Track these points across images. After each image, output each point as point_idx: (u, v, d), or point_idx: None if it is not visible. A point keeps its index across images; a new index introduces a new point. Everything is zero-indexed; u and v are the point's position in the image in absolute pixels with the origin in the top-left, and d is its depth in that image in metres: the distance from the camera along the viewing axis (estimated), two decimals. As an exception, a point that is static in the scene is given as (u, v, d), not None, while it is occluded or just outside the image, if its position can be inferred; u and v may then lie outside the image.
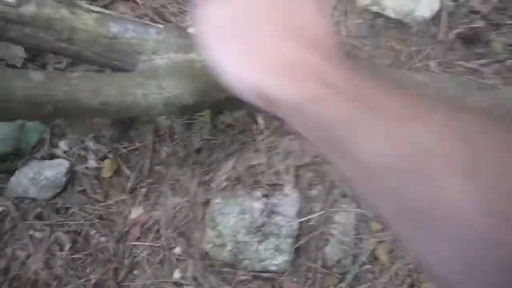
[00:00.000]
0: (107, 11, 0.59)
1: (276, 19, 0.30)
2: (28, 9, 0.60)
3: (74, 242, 0.97)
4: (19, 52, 0.91)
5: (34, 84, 0.45)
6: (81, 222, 0.97)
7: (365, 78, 0.26)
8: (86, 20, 0.58)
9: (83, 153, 0.95)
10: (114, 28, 0.58)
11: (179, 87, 0.57)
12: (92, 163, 0.95)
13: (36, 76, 0.46)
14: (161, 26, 0.58)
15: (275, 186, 0.94)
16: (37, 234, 0.98)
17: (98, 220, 0.96)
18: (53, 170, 0.93)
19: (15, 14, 0.59)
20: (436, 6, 0.93)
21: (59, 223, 0.97)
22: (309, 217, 0.94)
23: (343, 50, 0.31)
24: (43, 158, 0.95)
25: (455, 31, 0.94)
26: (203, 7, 0.31)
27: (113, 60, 0.62)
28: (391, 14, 0.93)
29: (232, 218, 0.93)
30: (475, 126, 0.23)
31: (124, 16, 0.58)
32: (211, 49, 0.31)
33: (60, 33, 0.59)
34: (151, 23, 0.58)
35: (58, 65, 0.93)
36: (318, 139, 0.27)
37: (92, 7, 0.59)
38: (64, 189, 0.96)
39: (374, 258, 0.94)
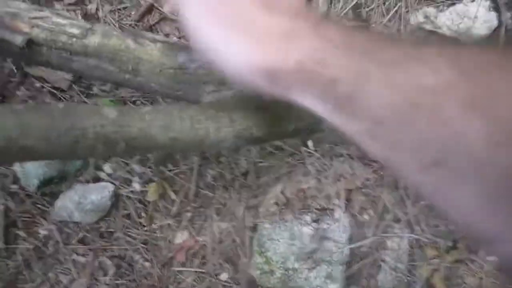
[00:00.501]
0: (172, 41, 0.57)
1: None
2: (93, 40, 0.58)
3: (118, 267, 0.96)
4: (66, 74, 0.90)
5: (108, 122, 0.43)
6: (125, 247, 0.95)
7: (361, 33, 0.26)
8: (152, 51, 0.56)
9: (127, 176, 0.94)
10: (180, 58, 0.56)
11: (248, 119, 0.54)
12: (136, 186, 0.93)
13: (110, 112, 0.44)
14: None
15: (325, 211, 0.91)
16: (81, 259, 0.96)
17: (142, 245, 0.94)
18: (98, 194, 0.91)
19: (80, 46, 0.58)
20: (494, 23, 0.89)
21: (103, 247, 0.95)
22: (361, 243, 0.91)
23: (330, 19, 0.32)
24: (87, 181, 0.94)
25: (514, 48, 0.90)
26: None
27: (176, 91, 0.60)
28: (446, 32, 0.90)
29: (281, 244, 0.90)
30: (477, 62, 0.22)
31: (189, 45, 0.56)
32: (202, 35, 0.30)
33: (125, 64, 0.57)
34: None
35: (103, 87, 0.92)
36: (323, 102, 0.26)
37: (157, 37, 0.57)
38: (108, 213, 0.94)
39: (429, 286, 0.90)
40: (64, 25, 0.54)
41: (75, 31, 0.54)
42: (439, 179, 0.22)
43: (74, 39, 0.54)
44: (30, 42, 0.54)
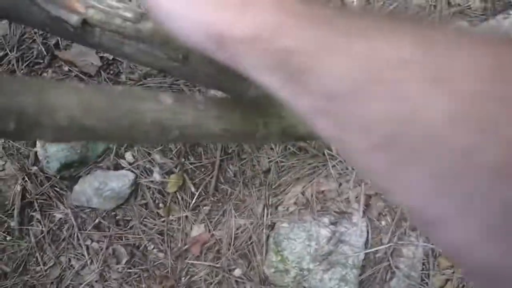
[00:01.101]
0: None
1: None
2: (147, 26, 0.58)
3: (131, 255, 0.96)
4: (94, 60, 0.90)
5: (163, 107, 0.43)
6: (140, 236, 0.95)
7: (324, 4, 0.24)
8: (205, 41, 0.56)
9: (148, 166, 0.94)
10: (231, 50, 0.56)
11: (295, 117, 0.54)
12: (157, 176, 0.93)
13: (166, 98, 0.44)
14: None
15: (343, 214, 0.91)
16: (94, 245, 0.96)
17: (157, 235, 0.94)
18: (118, 182, 0.91)
19: (133, 30, 0.57)
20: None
21: (118, 235, 0.95)
22: (377, 248, 0.91)
23: None
24: (108, 168, 0.93)
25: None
26: None
27: (223, 82, 0.60)
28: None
29: (298, 244, 0.90)
30: (440, 38, 0.21)
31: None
32: (158, 5, 0.30)
33: (175, 52, 0.57)
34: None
35: (132, 75, 0.92)
36: (273, 74, 0.25)
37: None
38: (126, 201, 0.94)
39: (441, 296, 0.91)
40: (118, 8, 0.54)
41: (129, 14, 0.54)
42: (389, 160, 0.20)
43: (128, 23, 0.54)
44: (85, 23, 0.53)
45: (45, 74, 0.93)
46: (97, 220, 0.95)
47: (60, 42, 0.92)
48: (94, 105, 0.42)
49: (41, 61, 0.93)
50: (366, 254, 0.91)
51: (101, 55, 0.91)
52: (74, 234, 0.96)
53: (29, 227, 0.96)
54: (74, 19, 0.54)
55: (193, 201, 0.94)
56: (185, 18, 0.28)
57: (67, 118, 0.40)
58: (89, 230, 0.96)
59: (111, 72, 0.92)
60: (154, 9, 0.30)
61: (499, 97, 0.18)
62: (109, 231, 0.95)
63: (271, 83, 0.25)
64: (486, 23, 0.90)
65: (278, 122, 0.54)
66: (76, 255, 0.96)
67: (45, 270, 0.96)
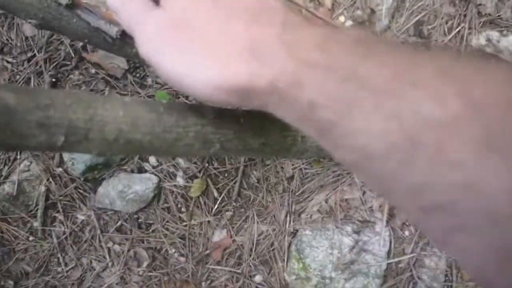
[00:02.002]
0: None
1: (216, 11, 0.27)
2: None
3: (152, 259, 0.96)
4: (121, 63, 0.91)
5: (206, 121, 0.43)
6: (162, 239, 0.96)
7: (339, 42, 0.23)
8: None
9: (172, 170, 0.94)
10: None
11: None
12: (180, 181, 0.94)
13: (209, 112, 0.45)
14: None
15: (367, 223, 0.92)
16: (116, 247, 0.97)
17: (179, 239, 0.95)
18: (142, 185, 0.92)
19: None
20: (555, 52, 0.89)
21: (140, 238, 0.96)
22: (399, 258, 0.91)
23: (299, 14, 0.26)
24: (132, 171, 0.94)
25: None
26: (142, 25, 0.29)
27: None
28: (508, 58, 0.90)
29: (320, 252, 0.91)
30: (493, 89, 0.18)
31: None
32: (165, 68, 0.28)
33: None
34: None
35: (158, 79, 0.93)
36: (304, 125, 0.24)
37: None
38: (149, 204, 0.95)
39: (463, 308, 0.91)
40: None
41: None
42: (442, 223, 0.19)
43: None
44: (124, 34, 0.54)
45: (71, 76, 0.94)
46: (119, 223, 0.96)
47: (87, 44, 0.93)
48: (140, 119, 0.43)
49: (68, 62, 0.94)
50: (388, 264, 0.91)
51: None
52: (96, 236, 0.97)
53: (52, 228, 0.97)
54: (114, 30, 0.55)
55: (216, 206, 0.94)
56: (201, 85, 0.26)
57: (115, 131, 0.40)
58: (111, 233, 0.97)
59: (138, 75, 0.93)
60: (171, 81, 0.28)
61: None
62: (131, 234, 0.96)
63: (307, 132, 0.24)
64: (516, 34, 0.90)
65: (316, 137, 0.54)
66: (98, 257, 0.98)
67: (67, 271, 0.98)
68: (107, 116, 0.40)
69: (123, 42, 0.55)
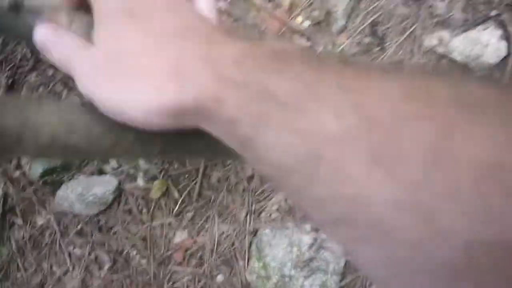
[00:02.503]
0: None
1: (145, 38, 0.28)
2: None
3: (114, 262, 0.96)
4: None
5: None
6: (123, 242, 0.96)
7: (256, 58, 0.24)
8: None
9: (132, 171, 0.94)
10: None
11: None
12: (141, 182, 0.94)
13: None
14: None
15: (326, 221, 0.93)
16: (77, 251, 0.97)
17: (141, 241, 0.96)
18: (102, 187, 0.92)
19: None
20: (503, 52, 0.93)
21: (101, 241, 0.96)
22: (358, 255, 0.93)
23: (229, 28, 0.27)
24: (92, 174, 0.94)
25: (520, 78, 0.94)
26: (76, 63, 0.30)
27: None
28: (457, 57, 0.93)
29: (280, 251, 0.92)
30: (383, 103, 0.19)
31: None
32: (101, 95, 0.29)
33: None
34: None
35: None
36: (228, 141, 0.25)
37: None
38: (109, 207, 0.95)
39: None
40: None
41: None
42: (347, 236, 0.20)
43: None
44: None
45: (28, 78, 0.94)
46: (79, 226, 0.96)
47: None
48: (76, 124, 0.44)
49: (25, 64, 0.93)
50: (346, 260, 0.93)
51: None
52: (56, 239, 0.97)
53: (11, 233, 0.96)
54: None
55: (177, 207, 0.95)
56: (131, 108, 0.27)
57: (49, 136, 0.41)
58: (71, 236, 0.97)
59: (95, 77, 0.93)
60: (101, 107, 0.29)
61: (438, 188, 0.17)
62: (91, 237, 0.96)
63: (233, 147, 0.25)
64: (466, 34, 0.93)
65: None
66: (58, 261, 0.97)
67: (27, 277, 0.97)
68: (41, 121, 0.40)
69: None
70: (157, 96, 0.26)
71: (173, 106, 0.25)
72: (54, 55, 0.32)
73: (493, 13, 0.94)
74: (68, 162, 0.93)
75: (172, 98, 0.25)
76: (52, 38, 0.32)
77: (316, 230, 0.93)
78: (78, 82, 0.30)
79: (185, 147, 0.51)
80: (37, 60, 0.92)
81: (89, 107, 0.46)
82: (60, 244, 0.97)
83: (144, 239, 0.96)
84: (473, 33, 0.93)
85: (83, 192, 0.92)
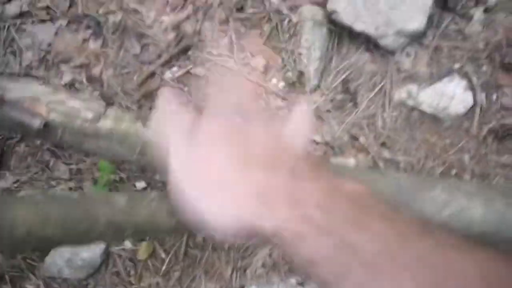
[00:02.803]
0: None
1: (235, 155, 0.31)
2: (106, 124, 0.63)
3: (103, 325, 0.97)
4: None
5: (117, 209, 0.48)
6: (112, 304, 0.97)
7: (338, 204, 0.27)
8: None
9: (119, 234, 0.97)
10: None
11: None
12: (128, 244, 0.97)
13: (120, 199, 0.49)
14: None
15: (310, 274, 0.95)
16: (66, 316, 0.98)
17: (129, 303, 0.97)
18: (90, 251, 0.95)
19: (92, 129, 0.63)
20: (469, 102, 0.98)
21: (90, 304, 0.97)
22: (344, 307, 0.95)
23: (314, 159, 0.31)
24: (79, 238, 0.96)
25: (488, 126, 0.98)
26: (172, 155, 0.33)
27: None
28: (426, 109, 0.98)
29: (267, 306, 0.93)
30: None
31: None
32: (184, 196, 0.32)
33: (133, 146, 0.63)
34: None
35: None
36: (308, 272, 0.28)
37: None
38: (98, 270, 0.97)
39: None
40: (79, 109, 0.60)
41: (89, 115, 0.60)
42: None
43: (88, 123, 0.60)
44: (47, 125, 0.59)
45: (18, 148, 0.97)
46: (68, 291, 0.98)
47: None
48: (51, 216, 0.47)
49: (14, 135, 0.97)
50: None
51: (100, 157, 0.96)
52: (46, 305, 0.98)
53: (1, 301, 0.98)
54: (36, 123, 0.59)
55: (164, 267, 0.97)
56: (213, 219, 0.30)
57: (25, 229, 0.44)
58: (60, 301, 0.98)
59: (81, 144, 0.97)
60: (188, 214, 0.31)
61: None
62: (81, 301, 0.97)
63: (302, 267, 0.28)
64: (433, 86, 0.98)
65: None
66: (48, 326, 0.98)
67: None
68: (17, 217, 0.44)
69: (47, 132, 0.60)
70: (239, 217, 0.29)
71: (253, 227, 0.29)
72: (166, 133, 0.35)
73: (457, 65, 0.99)
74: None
75: (253, 220, 0.28)
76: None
77: (301, 284, 0.95)
78: (168, 175, 0.33)
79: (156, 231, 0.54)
80: (25, 132, 0.96)
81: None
82: (50, 310, 0.98)
83: (133, 301, 0.97)
84: (439, 86, 0.98)
85: (71, 257, 0.94)
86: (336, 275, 0.25)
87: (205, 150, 0.32)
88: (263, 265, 0.96)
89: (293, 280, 0.95)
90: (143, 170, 0.70)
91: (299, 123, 0.35)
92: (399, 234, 0.25)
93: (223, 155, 0.32)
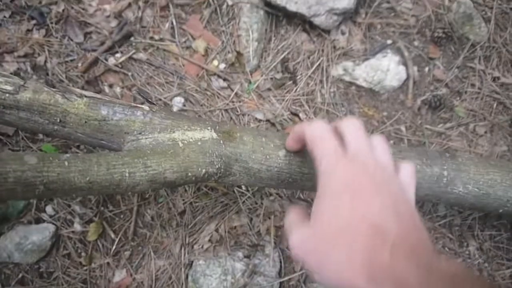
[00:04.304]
0: (98, 96, 0.66)
1: (341, 238, 0.37)
2: (25, 96, 0.66)
3: (56, 307, 0.99)
4: (10, 121, 0.97)
5: (27, 167, 0.52)
6: (64, 286, 0.99)
7: (438, 285, 0.31)
8: (79, 105, 0.64)
9: (69, 217, 1.00)
10: (104, 111, 0.65)
11: (162, 165, 0.64)
12: (77, 226, 0.99)
13: (30, 159, 0.53)
14: (147, 108, 0.65)
15: (256, 247, 0.99)
16: (19, 300, 1.00)
17: (81, 284, 0.99)
18: (39, 235, 0.97)
19: (12, 100, 0.66)
20: (403, 76, 1.02)
21: None
22: (290, 276, 0.99)
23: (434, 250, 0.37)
24: (29, 223, 0.99)
25: (421, 98, 1.03)
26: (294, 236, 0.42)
27: (101, 140, 0.68)
28: (363, 84, 1.02)
29: (214, 280, 0.97)
30: None
31: (114, 100, 0.65)
32: (306, 261, 0.39)
33: (53, 116, 0.66)
34: (138, 105, 0.65)
35: (48, 133, 0.99)
36: None
37: (85, 92, 0.66)
38: (48, 253, 0.99)
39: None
40: (-1, 82, 0.63)
41: (9, 87, 0.63)
42: None
43: (7, 95, 0.63)
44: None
45: None
46: (20, 275, 1.00)
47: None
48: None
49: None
50: (280, 283, 0.98)
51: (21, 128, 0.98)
52: (-1, 291, 1.00)
53: (-46, 288, 0.99)
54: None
55: (114, 247, 1.00)
56: (326, 283, 0.37)
57: None
58: (13, 286, 1.00)
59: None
60: (316, 275, 0.38)
61: None
62: (33, 284, 1.00)
63: None
64: (367, 62, 1.02)
65: (144, 170, 0.62)
66: (2, 311, 1.00)
67: (-29, 330, 0.99)
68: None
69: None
70: (349, 284, 0.34)
71: None
72: (314, 153, 0.48)
73: (389, 41, 1.04)
74: (6, 214, 0.98)
75: None
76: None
77: (248, 256, 0.99)
78: (291, 246, 0.41)
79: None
80: None
81: None
82: (3, 295, 1.00)
83: (84, 281, 1.00)
84: (373, 61, 1.03)
85: (20, 241, 0.97)
86: None
87: (323, 209, 0.41)
88: (210, 240, 0.99)
89: (240, 253, 0.99)
90: (67, 139, 0.72)
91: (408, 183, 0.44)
92: None
93: (334, 232, 0.38)
